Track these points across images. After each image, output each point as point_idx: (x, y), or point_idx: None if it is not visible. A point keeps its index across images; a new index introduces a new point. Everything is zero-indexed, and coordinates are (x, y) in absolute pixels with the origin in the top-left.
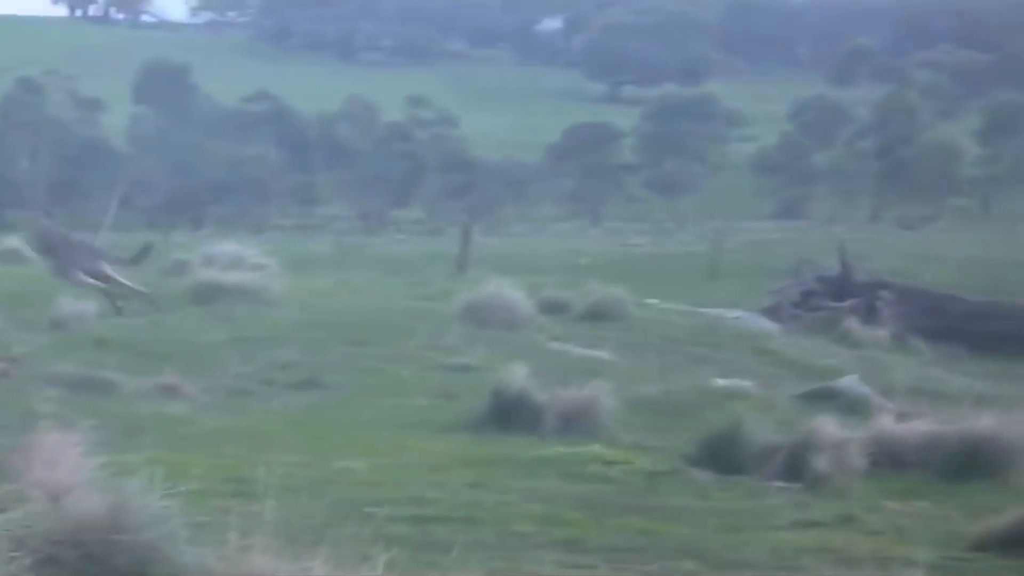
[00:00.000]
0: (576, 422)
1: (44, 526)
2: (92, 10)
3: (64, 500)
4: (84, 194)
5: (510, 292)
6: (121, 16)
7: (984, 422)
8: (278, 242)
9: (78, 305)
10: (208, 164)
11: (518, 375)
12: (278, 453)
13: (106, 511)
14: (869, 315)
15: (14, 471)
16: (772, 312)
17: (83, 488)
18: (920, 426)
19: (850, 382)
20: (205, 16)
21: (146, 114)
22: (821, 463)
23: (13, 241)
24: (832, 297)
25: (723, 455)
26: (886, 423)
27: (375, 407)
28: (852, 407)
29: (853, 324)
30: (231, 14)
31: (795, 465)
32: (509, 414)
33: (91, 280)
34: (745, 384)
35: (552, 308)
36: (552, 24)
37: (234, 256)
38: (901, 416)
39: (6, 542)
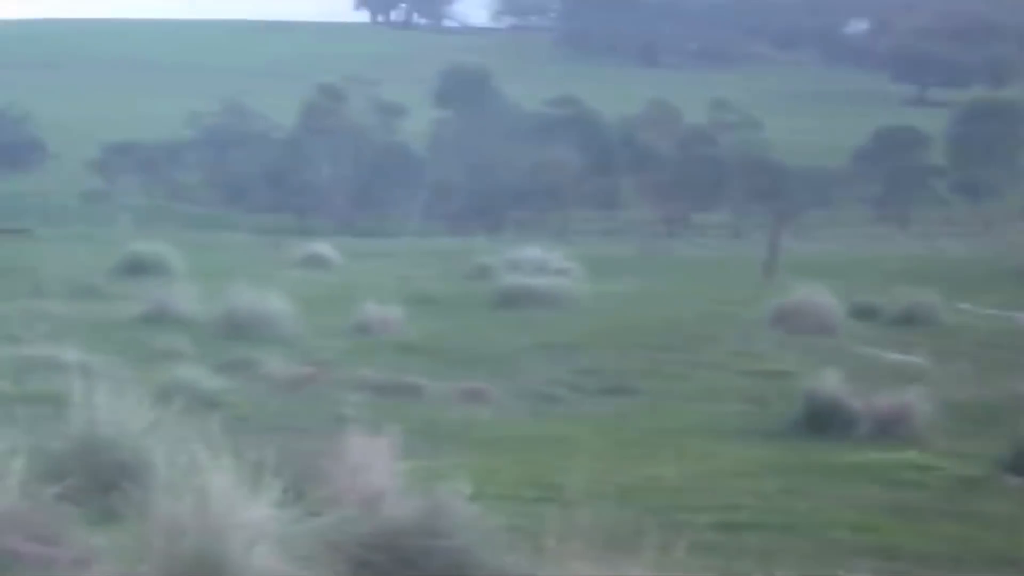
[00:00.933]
0: (890, 428)
1: (358, 530)
2: (394, 15)
3: (376, 504)
4: (385, 200)
5: (820, 297)
6: (423, 21)
7: None
8: (580, 247)
9: (383, 310)
10: (509, 169)
11: (830, 381)
12: (586, 459)
13: (420, 516)
14: None
15: (324, 475)
16: None
17: (394, 492)
18: None
19: None
20: (507, 20)
21: (447, 119)
22: None
23: (319, 247)
24: None
25: None
26: None
27: (684, 413)
28: None
29: None
30: (533, 18)
31: None
32: (821, 420)
33: None
34: None
35: (862, 313)
36: (858, 26)
37: (537, 261)
38: None
39: (321, 546)
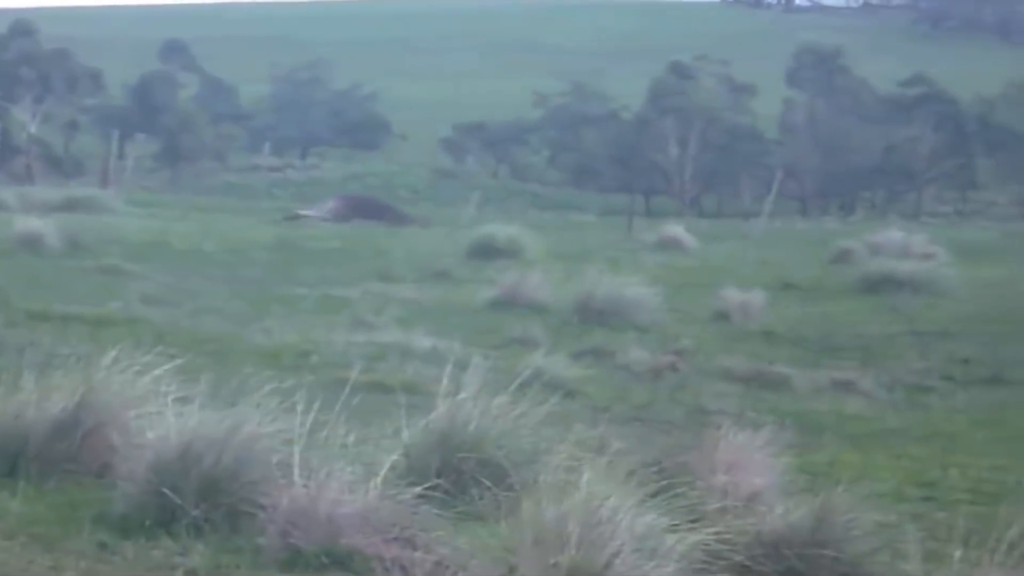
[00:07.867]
0: None
1: (741, 538)
2: None
3: (753, 506)
4: (733, 181)
5: None
6: (774, 0)
7: None
8: (936, 229)
9: (743, 295)
10: (860, 150)
11: None
12: (966, 455)
13: (808, 521)
14: None
15: (693, 472)
16: None
17: (774, 493)
18: None
19: None
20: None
21: (797, 99)
22: None
23: (672, 229)
24: None
25: None
26: None
27: None
28: None
29: None
30: None
31: None
32: None
33: None
34: None
35: None
36: None
37: (899, 244)
38: None
39: (701, 554)
